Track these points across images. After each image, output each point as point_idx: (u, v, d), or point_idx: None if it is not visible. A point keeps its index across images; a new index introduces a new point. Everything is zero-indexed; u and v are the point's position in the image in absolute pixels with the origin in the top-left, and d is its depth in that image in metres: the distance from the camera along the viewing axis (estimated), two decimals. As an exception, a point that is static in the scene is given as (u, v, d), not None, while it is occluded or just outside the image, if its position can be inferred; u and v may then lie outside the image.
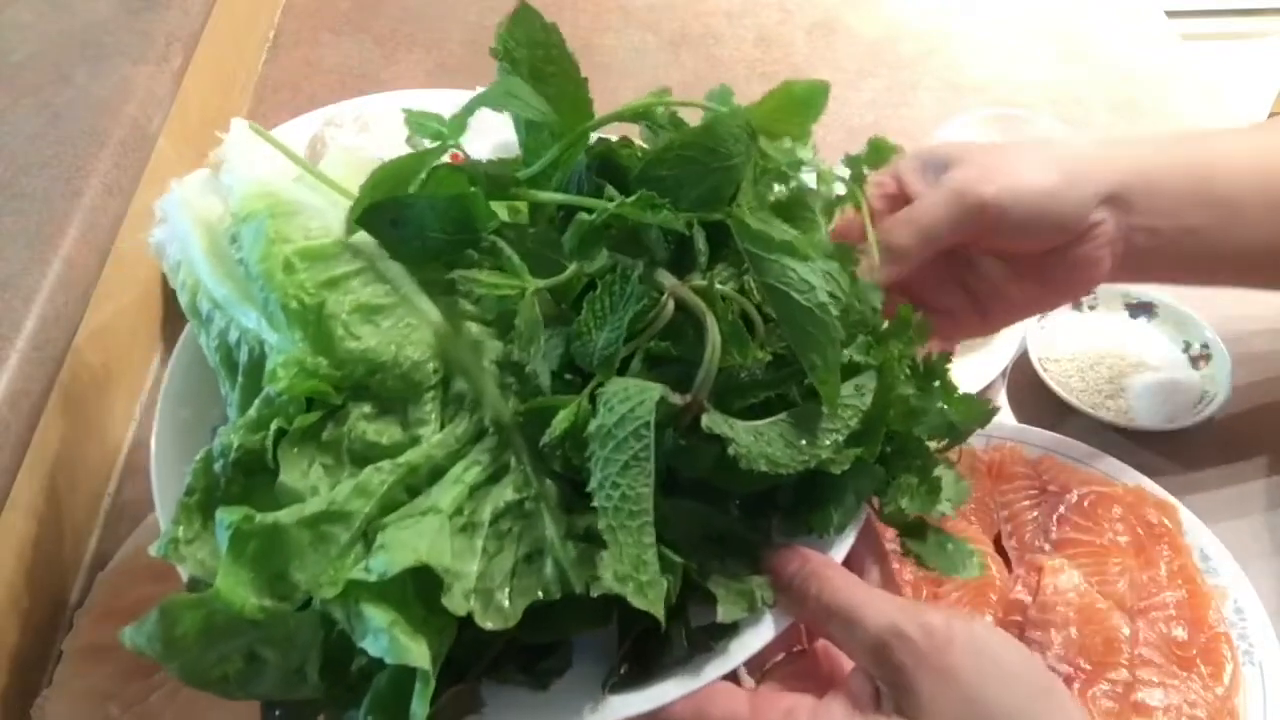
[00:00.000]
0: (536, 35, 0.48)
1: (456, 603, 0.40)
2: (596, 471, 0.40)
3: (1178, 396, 0.79)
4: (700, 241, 0.45)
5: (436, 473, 0.44)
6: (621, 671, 0.44)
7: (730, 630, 0.44)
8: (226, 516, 0.41)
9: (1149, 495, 0.70)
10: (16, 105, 0.82)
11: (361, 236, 0.47)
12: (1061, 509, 0.69)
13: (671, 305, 0.43)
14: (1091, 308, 0.85)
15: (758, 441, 0.43)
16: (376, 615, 0.39)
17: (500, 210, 0.48)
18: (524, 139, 0.50)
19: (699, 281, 0.45)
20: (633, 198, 0.44)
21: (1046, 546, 0.68)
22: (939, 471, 0.49)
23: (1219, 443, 0.77)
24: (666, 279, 0.44)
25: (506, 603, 0.41)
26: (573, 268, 0.45)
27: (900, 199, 0.61)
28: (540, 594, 0.42)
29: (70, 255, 0.72)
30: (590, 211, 0.45)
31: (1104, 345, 0.82)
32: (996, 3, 1.19)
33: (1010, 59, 1.12)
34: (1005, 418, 0.80)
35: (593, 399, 0.42)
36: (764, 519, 0.48)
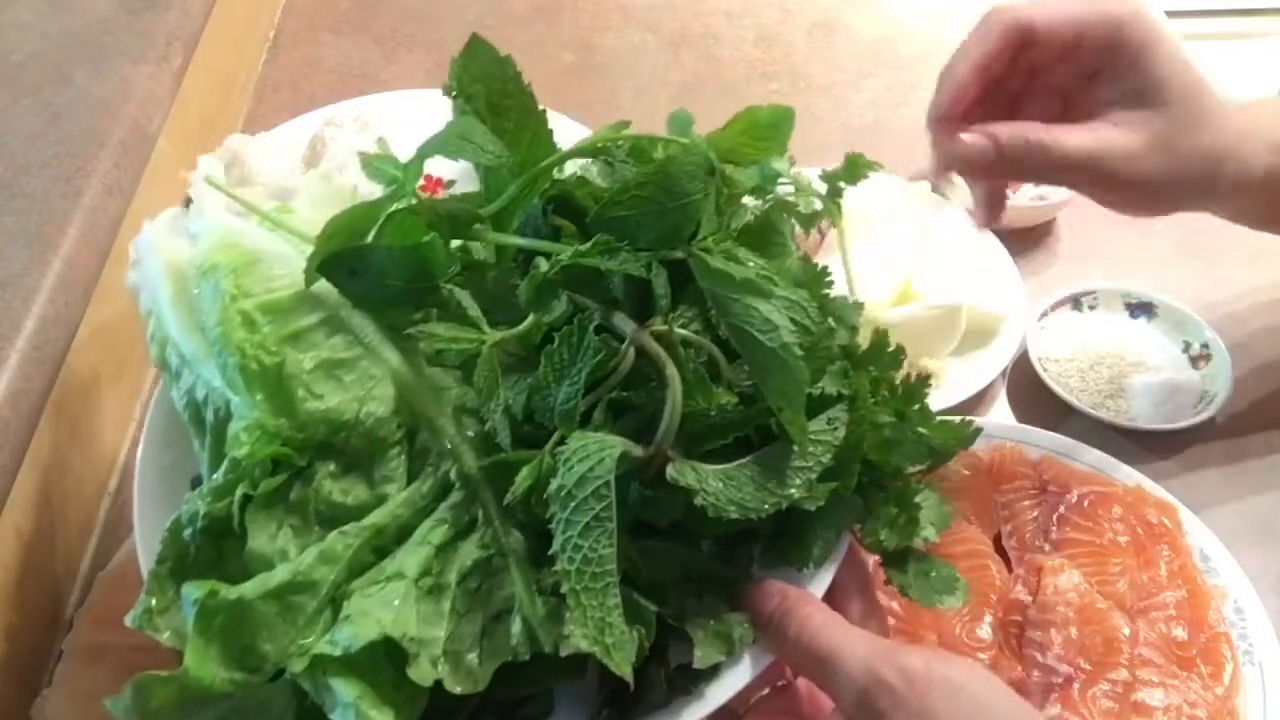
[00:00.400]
0: (491, 69, 0.48)
1: (423, 672, 0.40)
2: (558, 534, 0.40)
3: (1178, 396, 0.79)
4: (661, 284, 0.44)
5: (404, 531, 0.44)
6: (602, 717, 0.44)
7: (710, 671, 0.44)
8: (192, 592, 0.41)
9: (1149, 495, 0.70)
10: (16, 105, 0.82)
11: (324, 285, 0.47)
12: (1061, 509, 0.69)
13: (632, 354, 0.43)
14: (1091, 308, 0.85)
15: (726, 487, 0.42)
16: (343, 689, 0.40)
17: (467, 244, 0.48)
18: (483, 175, 0.49)
19: (659, 326, 0.44)
20: (590, 243, 0.44)
21: (1046, 546, 0.68)
22: (920, 498, 0.48)
23: (1219, 443, 0.77)
24: (627, 325, 0.43)
25: (476, 665, 0.41)
26: (530, 319, 0.44)
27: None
28: (510, 655, 0.41)
29: (70, 255, 0.72)
30: (549, 256, 0.45)
31: (1104, 345, 0.82)
32: (996, 3, 1.19)
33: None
34: (1005, 418, 0.80)
35: (554, 456, 0.41)
36: (744, 552, 0.47)
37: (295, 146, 0.95)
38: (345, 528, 0.43)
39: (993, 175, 0.64)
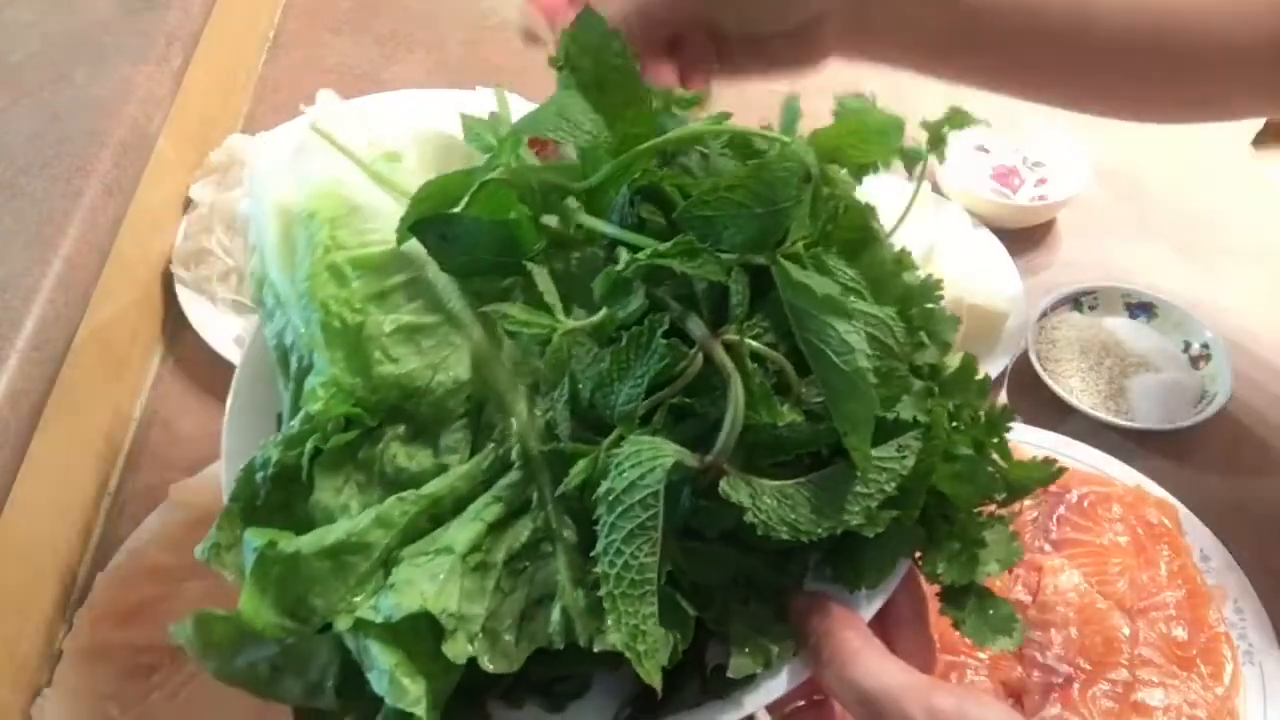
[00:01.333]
0: (601, 42, 0.47)
1: (459, 648, 0.40)
2: (602, 536, 0.39)
3: (1178, 396, 0.79)
4: (738, 291, 0.43)
5: (460, 503, 0.44)
6: (631, 707, 0.44)
7: (745, 678, 0.43)
8: (253, 540, 0.42)
9: (1149, 495, 0.70)
10: (16, 105, 0.82)
11: (415, 245, 0.47)
12: (1061, 509, 0.69)
13: (700, 360, 0.42)
14: (1092, 308, 0.85)
15: (780, 505, 0.41)
16: (381, 655, 0.40)
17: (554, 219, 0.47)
18: (581, 151, 0.48)
19: (731, 336, 0.42)
20: (670, 244, 0.43)
21: (1046, 546, 0.68)
22: (988, 533, 0.46)
23: (1219, 443, 0.77)
24: (698, 330, 0.42)
25: (513, 646, 0.42)
26: (604, 313, 0.44)
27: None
28: (546, 642, 0.42)
29: (70, 255, 0.72)
30: (633, 249, 0.44)
31: (1104, 345, 0.82)
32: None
33: (1010, 59, 1.12)
34: (1005, 418, 0.80)
35: (608, 456, 0.41)
36: (799, 560, 0.46)
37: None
38: (404, 494, 0.43)
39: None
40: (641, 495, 0.39)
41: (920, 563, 0.46)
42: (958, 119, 0.53)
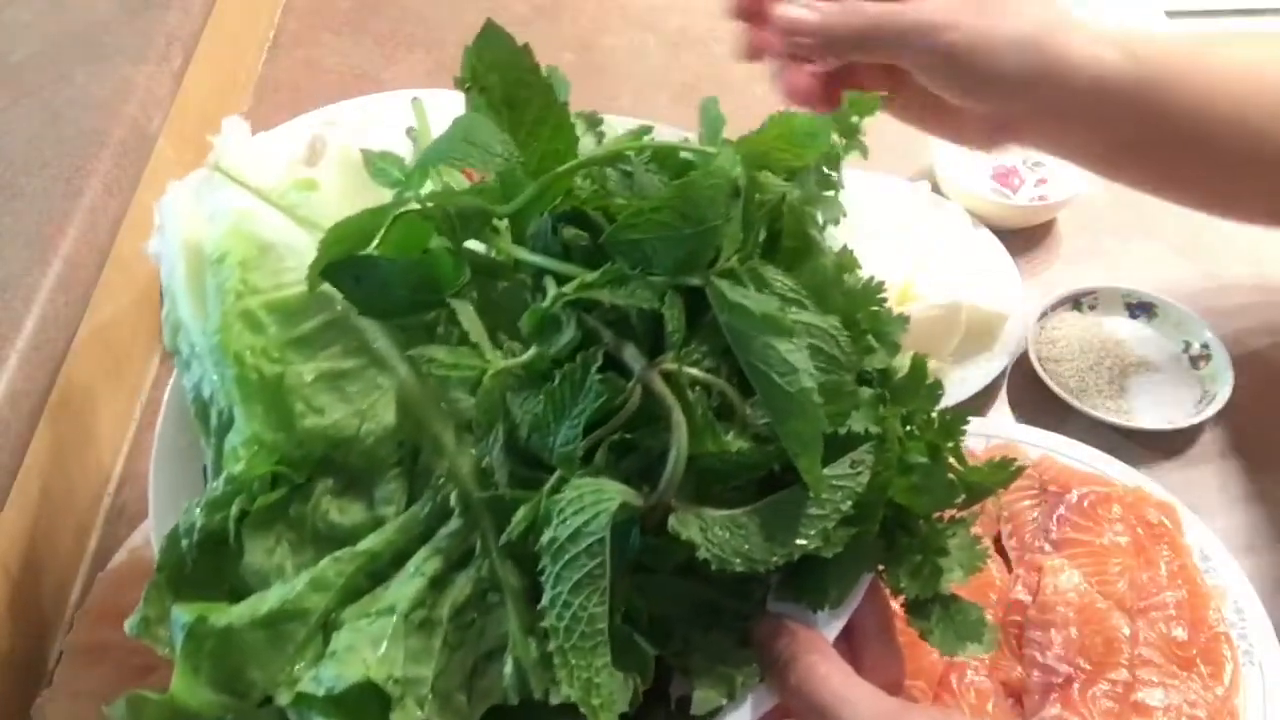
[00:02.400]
0: (507, 57, 0.45)
1: (409, 715, 0.39)
2: (548, 587, 0.38)
3: (1178, 396, 0.79)
4: (674, 317, 0.41)
5: (400, 557, 0.42)
6: None
7: (711, 712, 0.42)
8: (181, 615, 0.40)
9: (1149, 495, 0.70)
10: (16, 105, 0.82)
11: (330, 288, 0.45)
12: (1061, 509, 0.69)
13: (638, 394, 0.40)
14: (1092, 308, 0.85)
15: (733, 536, 0.40)
16: None
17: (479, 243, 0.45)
18: (505, 176, 0.46)
19: (670, 365, 0.41)
20: (599, 273, 0.41)
21: (1046, 546, 0.68)
22: (949, 541, 0.45)
23: (1219, 443, 0.77)
24: (635, 361, 0.41)
25: (465, 705, 0.40)
26: (534, 351, 0.42)
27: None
28: (500, 698, 0.40)
29: (70, 255, 0.72)
30: (560, 279, 0.42)
31: (1104, 345, 0.82)
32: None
33: (1010, 59, 1.12)
34: (1005, 418, 0.80)
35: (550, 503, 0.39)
36: (759, 585, 0.44)
37: (295, 146, 0.94)
38: (339, 553, 0.42)
39: (814, 53, 0.63)
40: (587, 543, 0.38)
41: (883, 575, 0.45)
42: (862, 105, 0.51)
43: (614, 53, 1.12)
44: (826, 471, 0.40)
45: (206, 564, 0.44)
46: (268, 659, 0.40)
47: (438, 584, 0.41)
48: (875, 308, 0.45)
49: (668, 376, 0.40)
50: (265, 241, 0.47)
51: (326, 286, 0.44)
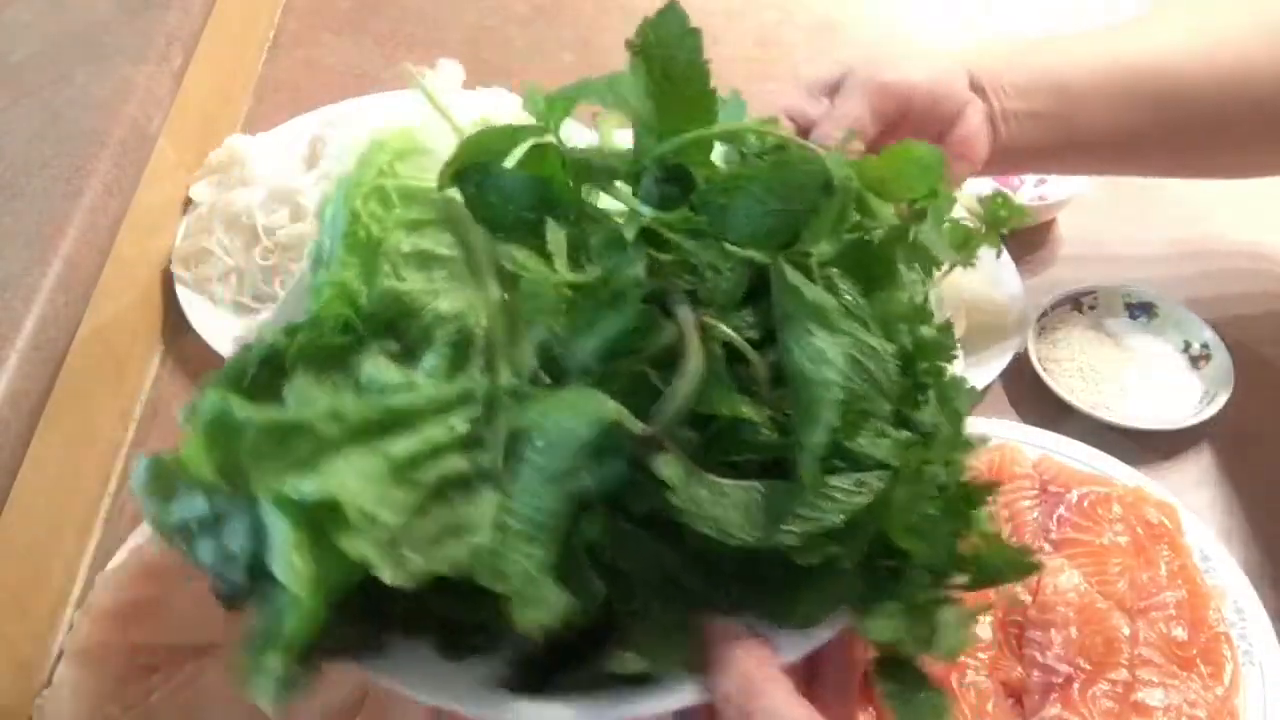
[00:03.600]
0: (678, 37, 0.48)
1: (354, 544, 0.40)
2: (520, 474, 0.39)
3: (1178, 396, 0.79)
4: (729, 279, 0.42)
5: (413, 420, 0.44)
6: (517, 670, 0.43)
7: (643, 680, 0.41)
8: (213, 397, 0.42)
9: (1149, 495, 0.70)
10: (16, 105, 0.82)
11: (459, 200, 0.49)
12: (1061, 509, 0.69)
13: (670, 333, 0.41)
14: (1092, 308, 0.85)
15: (713, 498, 0.40)
16: (286, 532, 0.40)
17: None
18: (636, 138, 0.49)
19: (710, 319, 0.41)
20: (676, 214, 0.43)
21: (1046, 546, 0.68)
22: (939, 611, 0.44)
23: (1219, 443, 0.77)
24: (679, 304, 0.41)
25: (412, 562, 0.41)
26: (597, 272, 0.43)
27: (801, 132, 0.64)
28: (446, 569, 0.41)
29: (70, 255, 0.72)
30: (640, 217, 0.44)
31: (1104, 345, 0.82)
32: (996, 3, 1.19)
33: (1010, 59, 1.12)
34: (1005, 418, 0.80)
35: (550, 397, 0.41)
36: (724, 578, 0.43)
37: (295, 146, 0.95)
38: (368, 398, 0.44)
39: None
40: (571, 443, 0.39)
41: (862, 623, 0.43)
42: (1010, 208, 0.54)
43: (614, 53, 1.11)
44: (830, 480, 0.40)
45: (263, 379, 0.47)
46: (267, 461, 0.42)
47: (436, 454, 0.43)
48: (944, 363, 0.45)
49: (704, 328, 0.41)
50: (425, 147, 0.52)
51: (456, 200, 0.48)
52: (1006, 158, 0.68)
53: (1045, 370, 0.79)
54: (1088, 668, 0.61)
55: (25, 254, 0.71)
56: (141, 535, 0.70)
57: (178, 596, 0.65)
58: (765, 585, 0.43)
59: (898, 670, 0.44)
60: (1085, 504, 0.69)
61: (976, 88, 0.67)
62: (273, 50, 1.15)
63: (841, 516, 0.40)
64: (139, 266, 0.84)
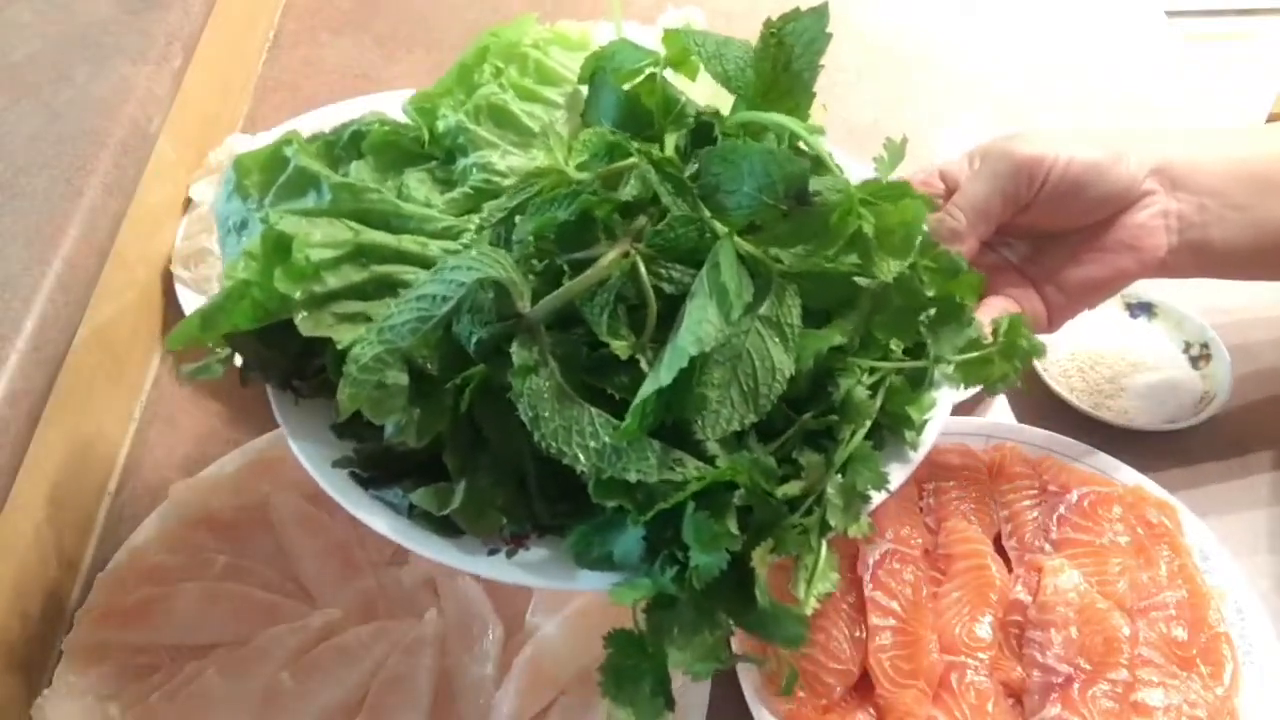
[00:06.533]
0: (813, 36, 0.53)
1: (283, 281, 0.49)
2: (406, 297, 0.46)
3: (1178, 396, 0.79)
4: (681, 233, 0.46)
5: (405, 225, 0.53)
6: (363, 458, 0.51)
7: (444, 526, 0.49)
8: (293, 138, 0.56)
9: (1149, 495, 0.70)
10: (16, 105, 0.82)
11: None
12: (1061, 509, 0.69)
13: (602, 248, 0.46)
14: (1092, 307, 0.85)
15: (546, 401, 0.43)
16: (254, 241, 0.50)
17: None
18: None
19: (639, 246, 0.46)
20: (665, 157, 0.49)
21: (1046, 546, 0.68)
22: (703, 633, 0.44)
23: (1219, 443, 0.77)
24: (620, 228, 0.47)
25: (323, 323, 0.49)
26: (587, 174, 0.50)
27: (948, 193, 0.63)
28: (337, 344, 0.48)
29: (70, 255, 0.72)
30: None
31: (1104, 345, 0.82)
32: (997, 3, 1.19)
33: (1010, 59, 1.12)
34: (1005, 418, 0.80)
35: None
36: (555, 497, 0.49)
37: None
38: (384, 196, 0.54)
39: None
40: (450, 283, 0.44)
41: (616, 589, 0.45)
42: (1027, 342, 0.54)
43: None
44: (653, 441, 0.43)
45: (349, 148, 0.58)
46: (282, 196, 0.55)
47: (399, 257, 0.51)
48: (855, 428, 0.48)
49: (626, 254, 0.46)
50: (589, 45, 0.63)
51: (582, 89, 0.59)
52: (1199, 255, 0.64)
53: (1045, 370, 0.79)
54: (1088, 668, 0.61)
55: (25, 254, 0.71)
56: (142, 535, 0.70)
57: (178, 596, 0.65)
58: (577, 505, 0.46)
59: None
60: (1085, 504, 0.69)
61: (1162, 174, 0.63)
62: (273, 50, 1.15)
63: (638, 476, 0.43)
64: (139, 266, 0.84)
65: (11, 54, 0.87)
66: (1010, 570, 0.67)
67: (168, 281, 0.86)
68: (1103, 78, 1.10)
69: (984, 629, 0.63)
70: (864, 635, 0.63)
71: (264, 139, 0.96)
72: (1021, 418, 0.79)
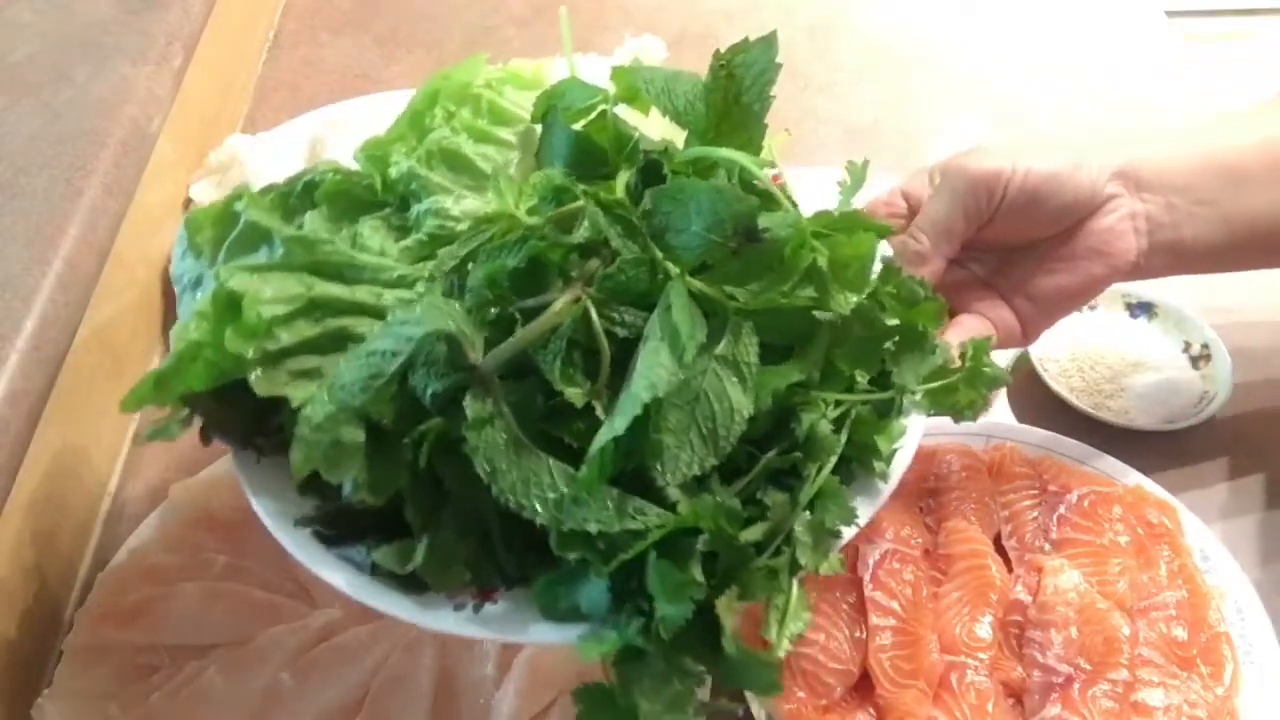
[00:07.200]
0: (762, 67, 0.53)
1: (233, 340, 0.48)
2: (360, 350, 0.44)
3: (1178, 396, 0.79)
4: (632, 276, 0.45)
5: (359, 275, 0.52)
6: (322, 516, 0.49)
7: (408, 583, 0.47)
8: (246, 197, 0.55)
9: (1149, 495, 0.70)
10: (16, 105, 0.82)
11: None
12: (1061, 509, 0.69)
13: (554, 293, 0.45)
14: (1091, 308, 0.85)
15: (504, 453, 0.42)
16: (204, 300, 0.49)
17: None
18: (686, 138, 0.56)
19: (589, 291, 0.45)
20: (614, 200, 0.47)
21: (1046, 546, 0.68)
22: (670, 686, 0.44)
23: (1219, 443, 0.77)
24: (575, 270, 0.46)
25: (278, 381, 0.48)
26: (537, 219, 0.49)
27: (911, 214, 0.62)
28: (293, 402, 0.47)
29: (70, 255, 0.72)
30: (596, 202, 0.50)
31: (1104, 345, 0.82)
32: (997, 3, 1.19)
33: (1010, 59, 1.12)
34: (1005, 418, 0.80)
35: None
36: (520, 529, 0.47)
37: (295, 146, 0.95)
38: (336, 246, 0.53)
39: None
40: (396, 341, 0.42)
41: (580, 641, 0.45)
42: (991, 370, 0.54)
43: (614, 54, 1.12)
44: (615, 492, 0.42)
45: (302, 198, 0.57)
46: (234, 252, 0.54)
47: (356, 309, 0.50)
48: (821, 465, 0.47)
49: (576, 299, 0.45)
50: (542, 84, 0.62)
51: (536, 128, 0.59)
52: (1171, 254, 0.63)
53: (1045, 370, 0.79)
54: (1088, 668, 0.61)
55: (25, 254, 0.71)
56: (141, 535, 0.70)
57: (178, 596, 0.65)
58: (543, 556, 0.45)
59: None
60: (1085, 504, 0.69)
61: (1126, 176, 0.62)
62: (273, 50, 1.15)
63: (598, 528, 0.42)
64: (139, 266, 0.84)
65: (11, 54, 0.87)
66: (1010, 570, 0.67)
67: (167, 281, 0.86)
68: (1103, 78, 1.10)
69: (984, 629, 0.63)
70: (864, 635, 0.63)
71: (264, 139, 0.96)
72: (1021, 418, 0.79)
